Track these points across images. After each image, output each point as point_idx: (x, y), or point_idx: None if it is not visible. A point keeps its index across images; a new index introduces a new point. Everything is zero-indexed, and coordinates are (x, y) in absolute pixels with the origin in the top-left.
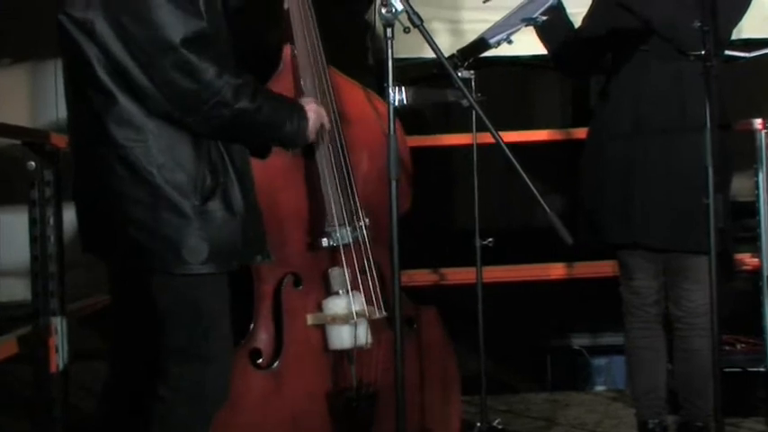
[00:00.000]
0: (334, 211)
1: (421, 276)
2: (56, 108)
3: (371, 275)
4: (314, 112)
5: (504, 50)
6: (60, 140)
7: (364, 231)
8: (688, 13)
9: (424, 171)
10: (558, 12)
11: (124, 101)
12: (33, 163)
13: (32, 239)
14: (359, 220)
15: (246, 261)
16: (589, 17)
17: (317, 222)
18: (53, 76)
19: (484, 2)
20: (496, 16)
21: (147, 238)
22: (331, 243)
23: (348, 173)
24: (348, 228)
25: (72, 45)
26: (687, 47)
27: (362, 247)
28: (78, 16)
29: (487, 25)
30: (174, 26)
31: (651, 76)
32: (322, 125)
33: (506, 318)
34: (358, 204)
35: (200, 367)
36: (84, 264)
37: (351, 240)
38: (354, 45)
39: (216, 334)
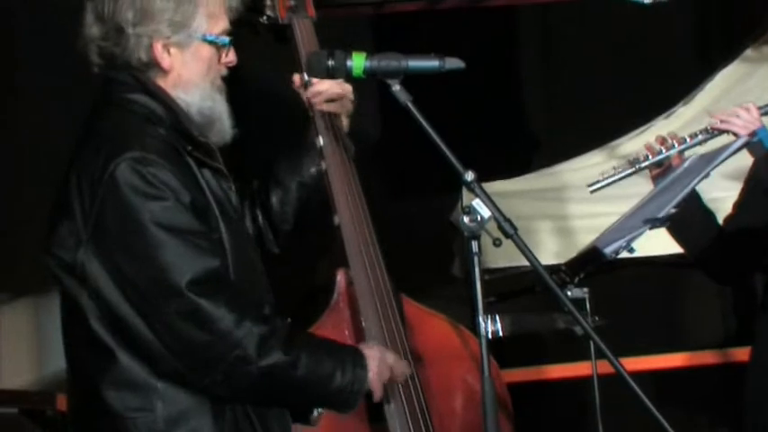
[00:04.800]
0: None
1: None
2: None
3: None
4: (377, 359)
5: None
6: None
7: None
8: None
9: (530, 413)
10: (692, 202)
11: (125, 359)
12: None
13: None
14: None
15: None
16: (741, 205)
17: None
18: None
19: (591, 192)
20: (615, 208)
21: None
22: None
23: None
24: None
25: (63, 294)
26: None
27: None
28: (67, 258)
29: (605, 220)
30: (179, 266)
31: None
32: (392, 376)
33: None
34: None
35: None
36: None
37: None
38: (434, 252)
39: None
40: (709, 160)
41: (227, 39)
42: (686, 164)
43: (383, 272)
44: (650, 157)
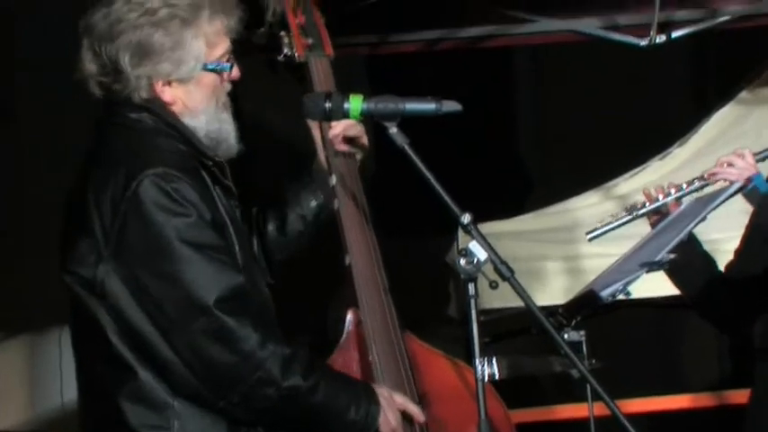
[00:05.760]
0: None
1: None
2: (60, 393)
3: None
4: (386, 398)
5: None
6: None
7: None
8: None
9: None
10: (690, 246)
11: (145, 376)
12: None
13: None
14: None
15: None
16: (743, 252)
17: None
18: (57, 353)
19: (589, 240)
20: (611, 249)
21: None
22: None
23: None
24: None
25: (81, 310)
26: None
27: None
28: (87, 275)
29: (601, 261)
30: (206, 284)
31: None
32: (406, 419)
33: None
34: None
35: None
36: None
37: None
38: (430, 292)
39: None
40: (705, 203)
41: (227, 65)
42: (682, 207)
43: (392, 312)
44: (648, 204)
